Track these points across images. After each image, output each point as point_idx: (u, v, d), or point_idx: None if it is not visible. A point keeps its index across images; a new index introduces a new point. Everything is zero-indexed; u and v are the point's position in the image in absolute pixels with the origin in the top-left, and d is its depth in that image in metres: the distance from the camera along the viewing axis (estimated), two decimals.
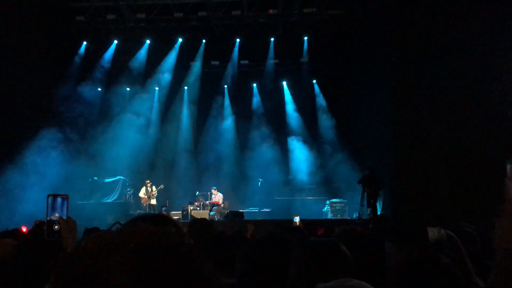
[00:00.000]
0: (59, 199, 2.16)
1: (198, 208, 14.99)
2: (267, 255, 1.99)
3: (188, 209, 14.72)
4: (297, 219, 7.16)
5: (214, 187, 15.46)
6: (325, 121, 17.11)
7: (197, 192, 15.84)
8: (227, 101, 18.46)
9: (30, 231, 6.07)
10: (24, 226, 11.26)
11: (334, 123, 16.64)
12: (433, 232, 1.99)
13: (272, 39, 17.43)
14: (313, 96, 17.92)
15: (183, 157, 17.51)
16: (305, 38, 17.23)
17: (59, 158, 14.64)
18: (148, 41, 17.51)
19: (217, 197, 15.26)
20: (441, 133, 9.80)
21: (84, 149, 15.99)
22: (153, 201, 15.15)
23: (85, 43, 17.22)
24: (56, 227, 2.09)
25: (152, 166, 16.82)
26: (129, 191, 16.22)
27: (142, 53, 17.61)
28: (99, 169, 16.24)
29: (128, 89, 18.26)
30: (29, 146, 14.06)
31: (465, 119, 8.88)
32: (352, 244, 2.42)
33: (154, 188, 15.26)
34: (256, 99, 18.27)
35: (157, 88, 18.48)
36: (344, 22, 15.80)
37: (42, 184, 13.27)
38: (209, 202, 15.23)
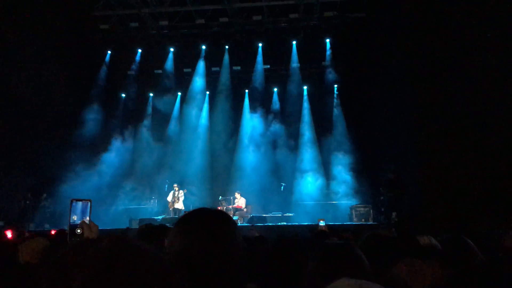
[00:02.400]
0: (82, 203, 2.21)
1: None
2: (282, 257, 2.01)
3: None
4: (322, 223, 7.03)
5: (238, 191, 15.47)
6: (348, 124, 16.95)
7: (220, 197, 15.88)
8: (248, 106, 18.49)
9: (55, 235, 6.17)
10: (53, 229, 11.76)
11: (356, 127, 16.46)
12: (424, 240, 1.97)
13: (294, 42, 17.45)
14: (333, 99, 17.77)
15: (206, 161, 17.61)
16: (327, 40, 17.18)
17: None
18: (172, 49, 17.76)
19: (240, 201, 15.26)
20: (465, 135, 9.61)
21: (109, 157, 16.40)
22: (178, 205, 15.23)
23: (109, 52, 17.61)
24: (78, 230, 2.14)
25: (176, 171, 16.95)
26: (152, 197, 16.45)
27: (166, 60, 17.88)
28: (125, 176, 16.56)
29: (151, 94, 18.55)
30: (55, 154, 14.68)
31: (490, 122, 8.69)
32: (380, 249, 2.40)
33: (181, 192, 15.33)
34: (277, 103, 18.26)
35: (179, 93, 18.68)
36: (365, 25, 15.70)
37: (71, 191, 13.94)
38: (232, 207, 15.24)
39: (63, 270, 0.73)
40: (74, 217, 2.14)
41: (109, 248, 0.76)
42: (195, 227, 1.38)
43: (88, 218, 2.16)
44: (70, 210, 2.14)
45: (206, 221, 1.40)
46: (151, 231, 2.93)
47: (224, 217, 1.45)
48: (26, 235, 8.80)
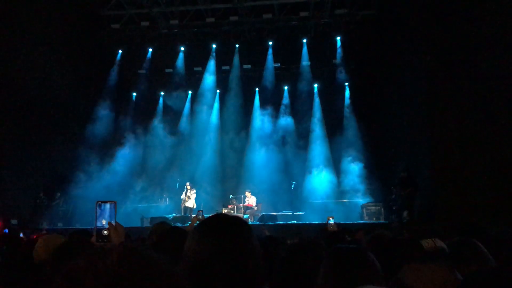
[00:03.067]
0: (107, 205, 2.22)
1: (232, 211, 15.07)
2: (299, 261, 2.00)
3: (222, 212, 14.83)
4: (331, 221, 6.88)
5: (248, 190, 15.48)
6: (359, 122, 16.83)
7: (231, 195, 15.91)
8: (259, 104, 18.47)
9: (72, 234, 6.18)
10: (66, 228, 11.92)
11: (367, 125, 16.33)
12: (427, 243, 1.94)
13: (305, 40, 17.40)
14: (344, 97, 17.65)
15: (217, 160, 17.65)
16: (338, 38, 17.10)
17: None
18: (182, 48, 17.84)
19: (251, 200, 15.27)
20: (479, 134, 9.50)
21: (120, 156, 16.54)
22: (188, 204, 15.26)
23: (120, 51, 17.72)
24: (105, 232, 2.16)
25: (187, 169, 17.02)
26: (163, 195, 16.54)
27: (177, 59, 17.96)
28: (136, 175, 16.68)
29: (162, 93, 18.62)
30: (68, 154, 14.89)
31: (505, 120, 8.58)
32: (383, 252, 2.38)
33: (193, 191, 15.37)
34: (287, 102, 18.20)
35: (190, 92, 18.74)
36: (376, 22, 15.59)
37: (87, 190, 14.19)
38: (242, 205, 15.27)
39: (73, 284, 0.74)
40: (103, 221, 2.16)
41: (119, 262, 0.77)
42: (210, 231, 1.42)
43: (114, 219, 2.18)
44: (96, 212, 2.16)
45: (221, 226, 1.44)
46: (168, 233, 2.92)
47: (239, 222, 1.49)
48: (44, 232, 8.91)
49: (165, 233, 2.87)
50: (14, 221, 12.46)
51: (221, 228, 1.42)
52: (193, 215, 14.46)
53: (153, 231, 3.46)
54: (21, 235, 7.17)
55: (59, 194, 14.53)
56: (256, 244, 1.43)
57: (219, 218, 1.50)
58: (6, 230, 9.80)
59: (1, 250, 3.37)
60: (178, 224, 13.09)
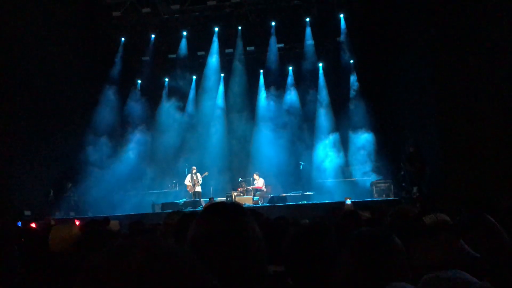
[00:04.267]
0: None
1: (241, 194, 15.16)
2: (311, 244, 2.00)
3: (232, 195, 14.95)
4: (349, 202, 6.94)
5: (256, 172, 15.54)
6: (366, 99, 16.67)
7: (240, 178, 15.98)
8: (264, 86, 18.37)
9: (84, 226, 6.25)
10: (78, 218, 12.08)
11: (374, 101, 16.18)
12: (429, 219, 1.95)
13: (308, 19, 17.17)
14: (349, 74, 17.45)
15: (224, 143, 17.66)
16: (341, 16, 16.85)
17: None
18: (184, 33, 17.70)
19: (259, 182, 15.34)
20: (488, 107, 9.40)
21: (128, 143, 16.64)
22: (198, 188, 15.39)
23: (123, 39, 17.63)
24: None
25: (195, 154, 17.06)
26: (173, 181, 16.64)
27: (180, 44, 17.84)
28: (145, 161, 16.78)
29: (166, 79, 18.58)
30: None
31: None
32: (407, 228, 2.35)
33: (199, 175, 15.47)
34: (292, 82, 18.06)
35: (194, 77, 18.67)
36: None
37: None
38: (252, 188, 15.35)
39: (95, 284, 0.72)
40: None
41: (146, 260, 0.74)
42: (203, 217, 1.47)
43: None
44: None
45: (214, 211, 1.49)
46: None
47: (233, 207, 1.52)
48: (52, 223, 9.01)
49: (182, 219, 2.90)
50: (27, 213, 12.64)
51: (213, 213, 1.47)
52: (203, 200, 14.70)
53: (169, 219, 3.45)
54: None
55: (70, 185, 14.69)
56: (252, 229, 1.43)
57: (215, 204, 1.55)
58: (19, 223, 9.95)
59: (19, 244, 3.41)
60: (190, 209, 13.22)
